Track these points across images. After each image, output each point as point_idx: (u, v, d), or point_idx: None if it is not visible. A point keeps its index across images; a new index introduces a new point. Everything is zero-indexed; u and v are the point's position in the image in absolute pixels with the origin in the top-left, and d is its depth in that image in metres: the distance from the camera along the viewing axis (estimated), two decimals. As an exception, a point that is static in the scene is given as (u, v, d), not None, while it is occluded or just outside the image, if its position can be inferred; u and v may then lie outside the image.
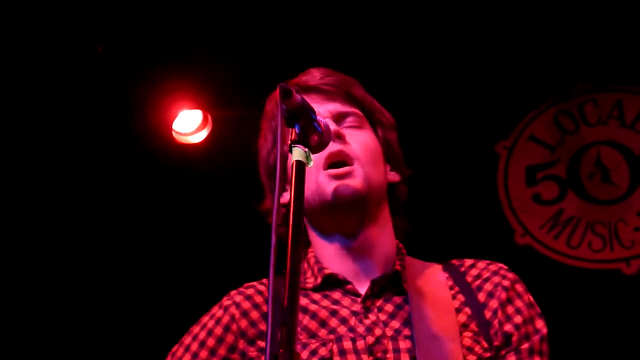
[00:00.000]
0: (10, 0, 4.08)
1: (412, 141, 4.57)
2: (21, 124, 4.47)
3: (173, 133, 4.50)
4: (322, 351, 2.02)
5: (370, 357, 2.01)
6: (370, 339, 2.03)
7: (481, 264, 2.22)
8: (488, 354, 2.05)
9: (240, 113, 4.36)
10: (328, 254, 2.18)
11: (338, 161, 2.12)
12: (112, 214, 4.65)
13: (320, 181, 1.96)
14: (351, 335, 2.04)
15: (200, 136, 4.53)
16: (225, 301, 2.21)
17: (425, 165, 4.61)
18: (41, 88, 4.39)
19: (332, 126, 2.09)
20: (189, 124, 4.51)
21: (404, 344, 2.03)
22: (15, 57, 4.26)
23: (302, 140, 1.82)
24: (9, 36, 4.18)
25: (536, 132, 4.72)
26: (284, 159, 2.04)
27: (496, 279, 2.17)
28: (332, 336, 2.05)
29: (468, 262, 2.23)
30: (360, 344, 2.03)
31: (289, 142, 1.83)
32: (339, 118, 2.21)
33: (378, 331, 2.04)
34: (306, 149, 1.81)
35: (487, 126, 4.67)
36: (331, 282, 2.15)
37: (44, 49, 4.26)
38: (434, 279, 2.18)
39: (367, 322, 2.06)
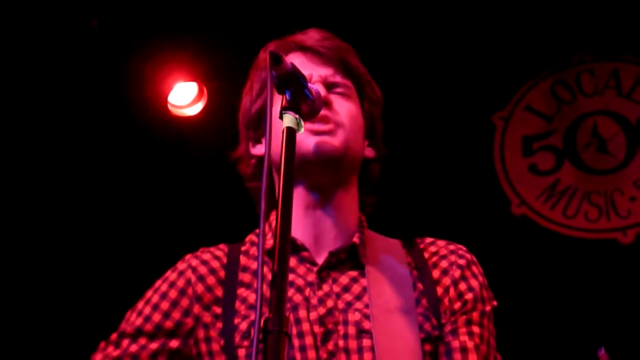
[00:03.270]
0: None
1: (409, 112, 4.61)
2: (15, 99, 4.46)
3: (168, 106, 4.50)
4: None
5: (322, 328, 2.01)
6: (322, 310, 2.03)
7: (441, 243, 2.20)
8: (436, 332, 2.05)
9: (236, 85, 4.35)
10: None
11: (319, 122, 2.11)
12: (108, 187, 4.66)
13: (299, 136, 1.94)
14: (306, 304, 2.04)
15: (196, 109, 4.53)
16: (180, 265, 2.20)
17: (421, 136, 4.63)
18: (36, 63, 4.38)
19: (322, 92, 2.09)
20: (184, 97, 4.51)
21: (352, 317, 2.02)
22: (9, 32, 4.24)
23: (292, 106, 1.82)
24: (2, 11, 4.17)
25: (532, 102, 4.71)
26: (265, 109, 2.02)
27: (452, 257, 2.15)
28: (288, 305, 2.00)
29: (428, 240, 2.22)
30: (313, 314, 2.03)
31: (280, 108, 1.82)
32: (329, 84, 2.20)
33: (330, 303, 2.04)
34: (297, 116, 1.80)
35: (483, 97, 4.66)
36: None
37: (38, 24, 4.24)
38: (392, 254, 2.18)
39: (320, 293, 2.06)
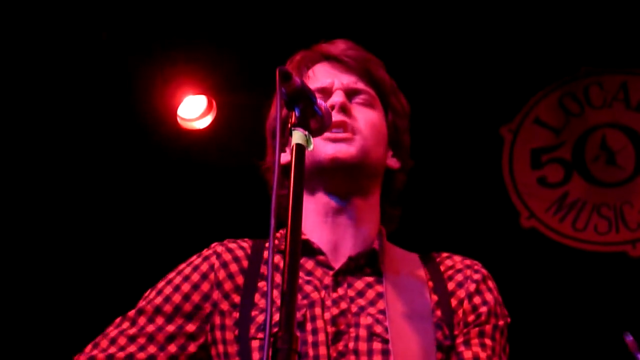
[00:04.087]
0: None
1: (418, 124, 4.61)
2: (26, 111, 4.47)
3: (178, 119, 4.50)
4: (297, 315, 2.01)
5: (334, 328, 2.02)
6: (335, 311, 2.04)
7: (457, 257, 2.22)
8: (448, 342, 2.06)
9: (245, 98, 4.36)
10: (309, 220, 2.15)
11: (337, 128, 2.12)
12: (117, 200, 4.66)
13: (316, 143, 1.93)
14: (321, 303, 2.05)
15: (205, 122, 4.53)
16: (206, 251, 2.21)
17: (431, 149, 4.62)
18: (46, 75, 4.38)
19: (339, 98, 2.13)
20: (193, 110, 4.51)
21: (364, 320, 2.04)
22: (20, 44, 4.26)
23: (302, 123, 1.83)
24: (13, 23, 4.18)
25: (541, 115, 4.71)
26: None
27: (468, 271, 2.17)
28: (305, 301, 2.05)
29: (445, 254, 2.24)
30: (327, 314, 2.04)
31: (290, 125, 1.84)
32: (351, 92, 2.22)
33: (343, 305, 2.05)
34: (306, 132, 1.81)
35: (492, 109, 4.66)
36: (305, 249, 2.13)
37: (48, 36, 4.26)
38: (409, 264, 2.19)
39: (335, 295, 2.07)
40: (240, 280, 2.13)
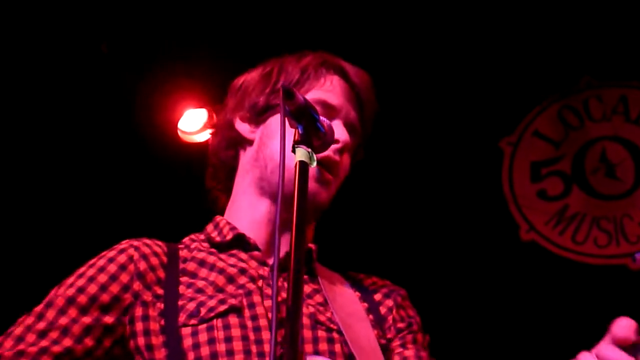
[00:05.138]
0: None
1: (418, 138, 4.62)
2: (26, 124, 4.47)
3: (178, 132, 4.50)
4: (233, 301, 2.01)
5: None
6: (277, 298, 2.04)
7: (375, 277, 2.29)
8: (383, 341, 2.11)
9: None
10: (249, 216, 2.19)
11: (329, 168, 2.15)
12: (117, 213, 4.65)
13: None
14: (259, 292, 2.05)
15: (206, 135, 4.53)
16: (121, 245, 2.13)
17: (431, 161, 4.64)
18: (46, 88, 4.39)
19: (346, 137, 2.16)
20: (194, 123, 4.51)
21: (306, 310, 2.04)
22: (20, 57, 4.26)
23: (305, 140, 1.83)
24: (13, 35, 4.19)
25: (541, 127, 4.73)
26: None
27: (392, 287, 2.26)
28: (241, 291, 2.04)
29: (362, 274, 2.29)
30: (268, 302, 2.02)
31: (292, 142, 1.84)
32: (350, 130, 2.23)
33: (283, 294, 1.99)
34: (309, 150, 1.82)
35: (492, 122, 4.68)
36: (240, 243, 2.14)
37: (48, 49, 4.26)
38: (336, 277, 2.23)
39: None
40: (161, 274, 2.07)
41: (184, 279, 2.08)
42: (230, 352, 1.93)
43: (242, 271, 2.08)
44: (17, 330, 1.99)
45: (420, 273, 4.26)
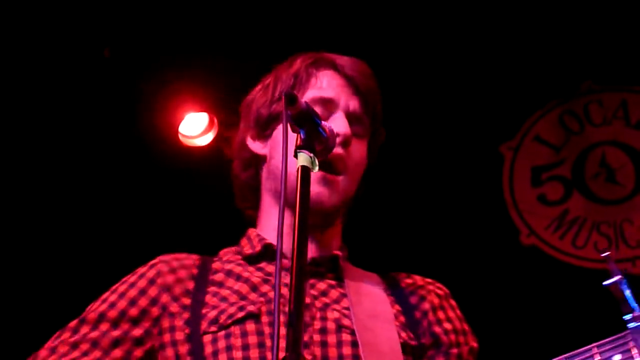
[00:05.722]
0: (18, 3, 4.09)
1: (419, 143, 4.63)
2: (29, 127, 4.47)
3: (179, 136, 4.50)
4: (251, 308, 2.03)
5: None
6: None
7: (417, 276, 2.28)
8: (413, 342, 2.10)
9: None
10: (274, 227, 2.17)
11: (333, 166, 2.13)
12: (119, 216, 4.66)
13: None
14: (281, 300, 2.04)
15: (207, 139, 4.54)
16: (152, 261, 2.20)
17: (432, 166, 4.64)
18: (49, 92, 4.39)
19: (344, 129, 2.13)
20: (195, 127, 4.51)
21: (331, 314, 2.05)
22: (23, 61, 4.27)
23: (307, 145, 1.84)
24: (16, 40, 4.20)
25: (541, 132, 4.74)
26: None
27: (430, 287, 2.23)
28: (262, 298, 2.06)
29: (404, 274, 2.28)
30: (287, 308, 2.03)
31: (295, 146, 1.84)
32: (353, 119, 2.21)
33: (307, 300, 2.05)
34: (311, 155, 1.82)
35: (493, 127, 4.69)
36: (269, 253, 2.16)
37: (51, 53, 4.27)
38: (369, 279, 2.22)
39: None
40: (190, 285, 2.13)
41: (211, 288, 2.12)
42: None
43: (266, 281, 2.11)
44: (53, 343, 2.11)
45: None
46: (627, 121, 4.69)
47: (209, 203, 4.62)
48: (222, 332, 2.01)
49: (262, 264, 2.17)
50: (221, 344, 2.00)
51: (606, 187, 4.64)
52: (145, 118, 4.47)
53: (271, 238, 2.20)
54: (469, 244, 4.52)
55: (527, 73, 4.61)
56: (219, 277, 2.15)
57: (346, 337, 2.03)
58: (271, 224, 2.22)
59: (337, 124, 2.14)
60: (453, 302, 2.24)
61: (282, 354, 1.56)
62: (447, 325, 2.16)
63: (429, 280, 2.26)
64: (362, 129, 2.23)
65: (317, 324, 2.03)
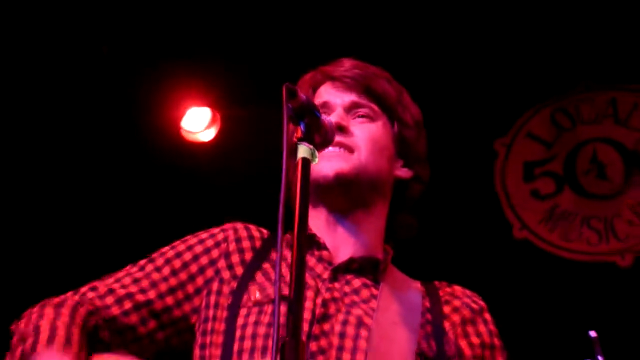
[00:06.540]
0: (16, 0, 4.11)
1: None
2: (28, 125, 4.49)
3: (182, 131, 4.52)
4: (287, 291, 2.04)
5: (322, 309, 2.09)
6: (327, 296, 2.12)
7: (457, 287, 2.30)
8: (431, 354, 2.12)
9: (249, 110, 4.37)
10: (316, 223, 2.25)
11: (335, 147, 2.20)
12: (121, 212, 4.68)
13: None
14: (315, 289, 2.12)
15: (209, 134, 4.54)
16: (226, 224, 2.30)
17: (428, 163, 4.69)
18: (48, 89, 4.40)
19: (336, 118, 2.21)
20: (197, 122, 4.51)
21: (356, 310, 2.11)
22: (21, 58, 4.28)
23: (307, 137, 1.90)
24: (14, 37, 4.21)
25: (534, 129, 4.79)
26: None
27: (467, 300, 2.26)
28: None
29: (445, 283, 2.32)
30: (319, 299, 2.10)
31: (295, 139, 1.91)
32: (350, 108, 2.30)
33: (337, 294, 2.12)
34: (311, 146, 1.89)
35: (486, 124, 4.73)
36: (310, 243, 2.22)
37: (49, 50, 4.28)
38: (409, 285, 2.27)
39: (330, 285, 2.15)
40: (248, 256, 2.21)
41: (266, 265, 2.19)
42: (267, 336, 2.04)
43: (309, 268, 2.16)
44: (120, 273, 2.21)
45: (414, 271, 4.31)
46: (616, 118, 4.73)
47: (212, 198, 4.65)
48: (256, 308, 2.09)
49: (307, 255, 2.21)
50: (251, 318, 2.08)
51: (597, 182, 4.68)
52: (147, 113, 4.49)
53: (314, 230, 2.24)
54: (463, 237, 4.56)
55: (520, 71, 4.64)
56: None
57: (364, 332, 2.07)
58: (313, 221, 2.22)
59: (333, 116, 2.24)
60: (487, 317, 2.24)
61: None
62: (474, 340, 2.18)
63: (469, 292, 2.28)
64: (365, 112, 2.32)
65: (341, 317, 2.09)
